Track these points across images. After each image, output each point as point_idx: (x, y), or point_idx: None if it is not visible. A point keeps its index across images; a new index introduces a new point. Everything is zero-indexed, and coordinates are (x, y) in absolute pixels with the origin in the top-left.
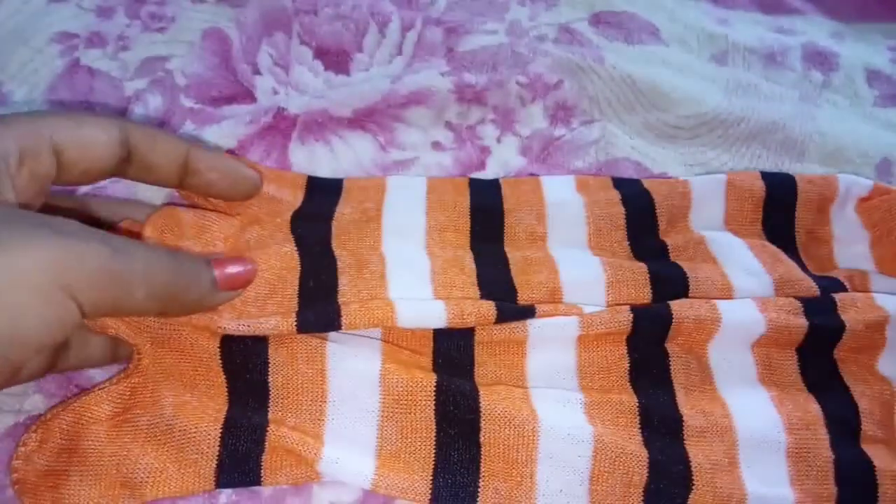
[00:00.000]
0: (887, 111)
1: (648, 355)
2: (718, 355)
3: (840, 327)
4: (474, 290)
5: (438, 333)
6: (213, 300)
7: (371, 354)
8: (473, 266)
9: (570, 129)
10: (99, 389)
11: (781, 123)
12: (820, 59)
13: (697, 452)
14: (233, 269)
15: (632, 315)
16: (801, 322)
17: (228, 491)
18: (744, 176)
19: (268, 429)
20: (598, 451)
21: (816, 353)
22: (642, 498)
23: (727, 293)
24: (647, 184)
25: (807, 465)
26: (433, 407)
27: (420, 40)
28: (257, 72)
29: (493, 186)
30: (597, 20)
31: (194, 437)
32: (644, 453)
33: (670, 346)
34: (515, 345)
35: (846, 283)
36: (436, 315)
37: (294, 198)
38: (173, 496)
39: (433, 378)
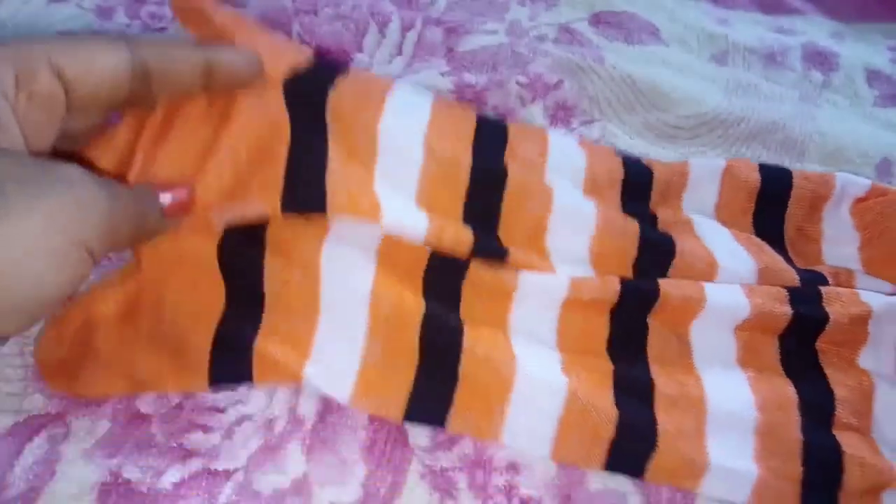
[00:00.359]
0: (887, 111)
1: (629, 327)
2: (700, 334)
3: (824, 318)
4: (458, 208)
5: (430, 266)
6: (163, 227)
7: (364, 271)
8: (467, 178)
9: (569, 129)
10: (102, 287)
11: (781, 123)
12: (820, 59)
13: (665, 418)
14: (175, 196)
15: (620, 287)
16: (786, 310)
17: (228, 491)
18: (742, 164)
19: (256, 338)
20: (569, 402)
21: (798, 341)
22: (606, 452)
23: (712, 269)
24: (645, 161)
25: (774, 444)
26: (419, 332)
27: (420, 40)
28: None
29: (499, 122)
30: (597, 20)
31: (189, 342)
32: (614, 411)
33: (652, 321)
34: (503, 294)
35: (830, 279)
36: (417, 228)
37: (298, 55)
38: (171, 391)
39: (422, 304)
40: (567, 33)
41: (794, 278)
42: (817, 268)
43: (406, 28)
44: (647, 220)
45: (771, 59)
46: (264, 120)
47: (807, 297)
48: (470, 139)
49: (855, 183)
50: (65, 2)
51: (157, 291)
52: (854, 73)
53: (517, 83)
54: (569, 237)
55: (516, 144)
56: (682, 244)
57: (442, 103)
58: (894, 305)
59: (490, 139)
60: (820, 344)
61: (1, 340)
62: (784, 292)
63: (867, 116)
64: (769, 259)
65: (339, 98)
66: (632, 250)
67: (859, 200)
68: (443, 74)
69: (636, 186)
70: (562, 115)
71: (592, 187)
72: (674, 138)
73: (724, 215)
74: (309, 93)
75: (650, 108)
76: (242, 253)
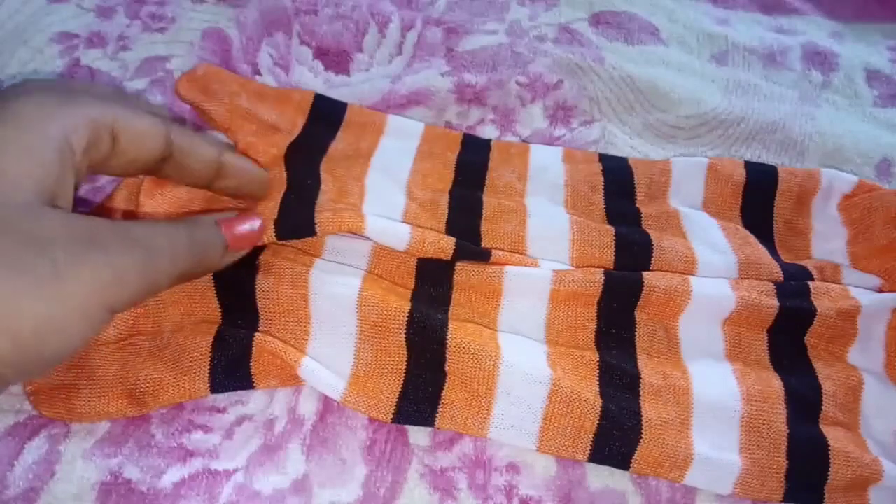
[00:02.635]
0: (887, 111)
1: (617, 321)
2: (688, 328)
3: (811, 312)
4: (440, 230)
5: (420, 272)
6: (224, 262)
7: (351, 282)
8: (446, 210)
9: (569, 130)
10: None
11: (781, 123)
12: (819, 60)
13: (650, 409)
14: (242, 229)
15: (603, 278)
16: (772, 303)
17: (228, 491)
18: (727, 162)
19: (254, 336)
20: (553, 393)
21: (786, 336)
22: (591, 443)
23: (691, 265)
24: (630, 161)
25: (759, 436)
26: (404, 334)
27: (420, 40)
28: (257, 72)
29: (484, 146)
30: (597, 20)
31: (187, 348)
32: (598, 402)
33: (640, 315)
34: (491, 295)
35: (814, 272)
36: (400, 236)
37: (294, 125)
38: (171, 403)
39: (407, 307)
40: (567, 33)
41: (776, 272)
42: (804, 262)
43: (406, 28)
44: (632, 220)
45: (771, 59)
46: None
47: (794, 291)
48: (450, 179)
49: (842, 179)
50: (65, 2)
51: (156, 319)
52: (854, 73)
53: (517, 83)
54: (547, 248)
55: (497, 169)
56: (661, 241)
57: (426, 145)
58: (884, 302)
59: (471, 169)
60: (808, 339)
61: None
62: (771, 286)
63: (867, 116)
64: (751, 252)
65: (331, 161)
66: (609, 256)
67: (847, 197)
68: (443, 74)
69: (619, 187)
70: (561, 115)
71: (574, 199)
72: (673, 138)
73: (711, 211)
74: (306, 159)
75: (650, 108)
76: (235, 276)
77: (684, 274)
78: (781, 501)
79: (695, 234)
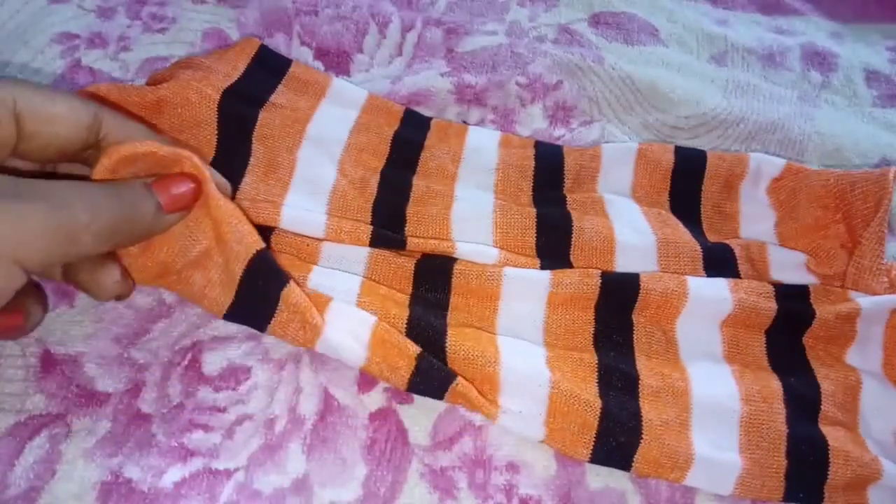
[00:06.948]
0: (886, 111)
1: (614, 323)
2: (685, 330)
3: (810, 315)
4: (367, 215)
5: (418, 276)
6: (161, 225)
7: (349, 290)
8: (375, 191)
9: (569, 130)
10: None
11: (780, 124)
12: (819, 60)
13: (650, 409)
14: (176, 190)
15: (600, 281)
16: (771, 305)
17: (229, 491)
18: (656, 147)
19: (288, 284)
20: (553, 395)
21: (785, 337)
22: (592, 443)
23: (609, 243)
24: (565, 148)
25: (759, 436)
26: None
27: (420, 41)
28: None
29: (424, 123)
30: (596, 21)
31: (226, 263)
32: (598, 402)
33: (637, 318)
34: (489, 299)
35: (738, 250)
36: (316, 226)
37: (233, 69)
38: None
39: (406, 314)
40: (566, 34)
41: (696, 250)
42: (728, 241)
43: (406, 29)
44: (556, 205)
45: (770, 59)
46: (192, 133)
47: (793, 293)
48: (384, 155)
49: (769, 162)
50: (66, 2)
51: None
52: (853, 73)
53: (517, 84)
54: (470, 231)
55: (432, 148)
56: (581, 222)
57: (365, 117)
58: (883, 304)
59: (406, 147)
60: (806, 340)
61: None
62: (770, 288)
63: (866, 117)
64: (671, 232)
65: (267, 124)
66: (530, 235)
67: (776, 180)
68: (443, 75)
69: (548, 174)
70: (561, 115)
71: (503, 184)
72: (673, 139)
73: (639, 195)
74: (241, 116)
75: (649, 108)
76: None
77: (604, 252)
78: (781, 501)
79: (616, 215)
